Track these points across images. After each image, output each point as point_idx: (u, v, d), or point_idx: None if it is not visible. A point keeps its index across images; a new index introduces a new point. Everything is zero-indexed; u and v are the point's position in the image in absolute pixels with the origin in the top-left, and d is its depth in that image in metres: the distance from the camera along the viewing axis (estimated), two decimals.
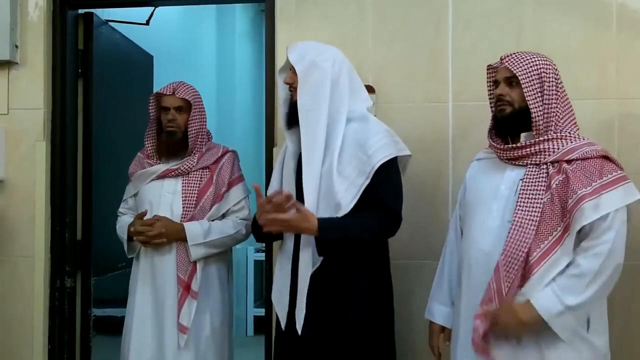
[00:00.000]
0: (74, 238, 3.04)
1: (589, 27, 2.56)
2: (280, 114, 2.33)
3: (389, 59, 2.68)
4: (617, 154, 2.49)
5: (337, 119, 2.18)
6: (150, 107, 2.63)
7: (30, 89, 2.90)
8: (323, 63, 2.19)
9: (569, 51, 2.55)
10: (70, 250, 2.99)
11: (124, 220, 2.65)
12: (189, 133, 2.57)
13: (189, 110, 2.58)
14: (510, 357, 1.88)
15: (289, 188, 2.20)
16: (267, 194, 2.26)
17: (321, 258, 2.11)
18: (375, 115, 2.61)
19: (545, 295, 1.82)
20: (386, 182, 2.16)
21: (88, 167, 3.11)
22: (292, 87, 2.20)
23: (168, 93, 2.57)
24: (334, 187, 2.11)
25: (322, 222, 2.07)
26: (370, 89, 2.65)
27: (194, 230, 2.48)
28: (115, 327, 2.68)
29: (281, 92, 2.30)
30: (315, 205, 2.11)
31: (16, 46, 2.89)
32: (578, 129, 2.00)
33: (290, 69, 2.21)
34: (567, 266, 1.85)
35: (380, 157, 2.13)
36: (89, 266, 3.10)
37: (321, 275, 2.12)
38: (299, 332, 2.11)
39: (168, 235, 2.48)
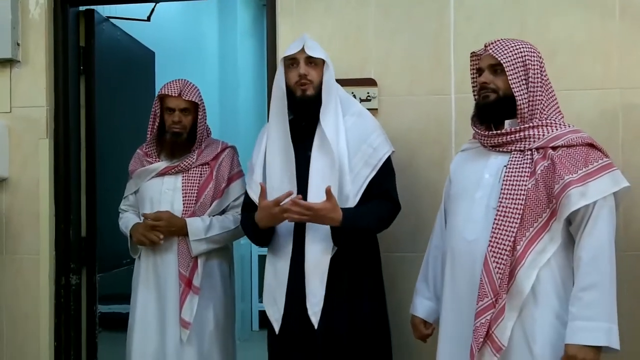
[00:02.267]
0: (79, 235, 3.04)
1: (592, 18, 2.55)
2: (277, 100, 2.24)
3: (391, 51, 2.67)
4: (620, 144, 2.49)
5: (340, 114, 2.23)
6: (155, 107, 2.61)
7: (32, 87, 2.90)
8: (328, 60, 2.24)
9: (573, 42, 2.55)
10: (75, 247, 3.00)
11: (127, 217, 2.65)
12: (197, 133, 2.57)
13: (194, 111, 2.58)
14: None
15: (286, 182, 2.19)
16: (249, 189, 2.28)
17: (333, 250, 2.13)
18: (377, 108, 2.63)
19: (586, 328, 1.78)
20: (390, 174, 2.27)
21: (91, 163, 3.12)
22: (308, 80, 2.19)
23: (174, 94, 2.55)
24: (344, 180, 2.16)
25: (346, 212, 2.11)
26: (372, 82, 2.65)
27: (195, 225, 2.49)
28: (120, 324, 2.69)
29: (281, 82, 2.23)
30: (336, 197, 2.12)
31: (18, 44, 2.89)
32: (562, 116, 1.98)
33: (300, 61, 2.19)
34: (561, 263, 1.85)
35: (386, 151, 2.24)
36: (93, 263, 3.11)
37: (332, 268, 2.14)
38: (316, 326, 2.12)
39: (171, 230, 2.48)
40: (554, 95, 1.99)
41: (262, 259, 5.39)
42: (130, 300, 2.63)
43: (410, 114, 2.64)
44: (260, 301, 5.33)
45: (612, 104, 2.52)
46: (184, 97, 2.53)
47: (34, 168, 2.90)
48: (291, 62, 2.22)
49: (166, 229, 2.49)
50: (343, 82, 2.37)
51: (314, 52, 2.20)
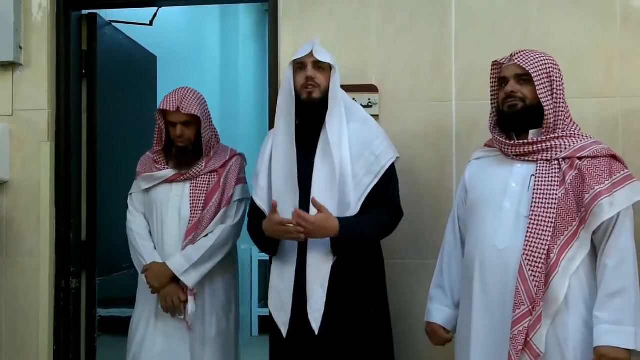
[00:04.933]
0: (79, 238, 3.04)
1: (593, 26, 2.56)
2: (285, 103, 2.24)
3: (393, 57, 2.68)
4: (621, 152, 2.48)
5: (344, 120, 2.25)
6: (158, 120, 2.58)
7: (34, 90, 2.91)
8: (336, 66, 2.26)
9: (574, 49, 2.55)
10: (75, 251, 3.00)
11: (142, 246, 2.56)
12: (203, 143, 2.55)
13: (197, 122, 2.53)
14: None
15: (290, 190, 2.20)
16: (254, 195, 2.30)
17: (334, 258, 2.14)
18: (378, 115, 2.63)
19: (615, 331, 1.83)
20: (393, 181, 2.27)
21: (92, 167, 3.12)
22: (315, 83, 2.21)
23: (172, 110, 2.50)
24: (346, 187, 2.16)
25: (343, 222, 2.11)
26: (373, 88, 2.66)
27: (174, 261, 2.46)
28: (120, 327, 2.68)
29: (288, 84, 2.23)
30: (335, 206, 2.14)
31: (20, 47, 2.90)
32: (580, 128, 2.03)
33: (308, 65, 2.21)
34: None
35: (389, 158, 2.24)
36: (93, 266, 3.11)
37: (333, 275, 2.15)
38: (316, 332, 2.12)
39: (160, 281, 2.45)
40: (569, 107, 2.03)
41: (262, 264, 5.41)
42: (135, 304, 2.62)
43: (411, 120, 2.64)
44: (260, 306, 5.36)
45: (612, 112, 2.52)
46: (182, 111, 2.49)
47: (35, 171, 2.90)
48: (299, 65, 2.24)
49: (158, 282, 2.45)
50: (344, 88, 2.38)
51: (323, 56, 2.22)
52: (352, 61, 2.67)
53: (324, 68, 2.24)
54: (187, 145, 2.54)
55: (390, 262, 2.43)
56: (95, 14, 3.13)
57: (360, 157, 2.20)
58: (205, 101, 2.60)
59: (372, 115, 2.56)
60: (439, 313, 2.15)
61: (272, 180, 2.24)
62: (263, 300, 5.42)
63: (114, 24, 3.42)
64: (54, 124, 2.92)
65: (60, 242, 2.92)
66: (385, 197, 2.22)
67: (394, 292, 2.43)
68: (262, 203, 2.27)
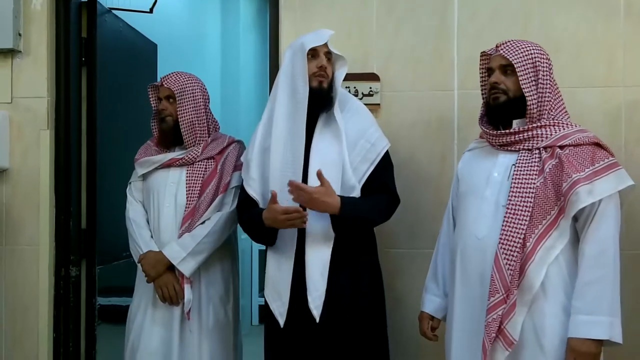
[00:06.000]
0: (79, 227, 3.03)
1: (596, 16, 2.54)
2: (295, 91, 2.21)
3: (394, 47, 2.66)
4: (623, 142, 2.49)
5: (339, 109, 2.26)
6: (151, 98, 2.64)
7: (33, 78, 2.89)
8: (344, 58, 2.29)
9: (577, 40, 2.54)
10: (75, 239, 2.99)
11: (140, 235, 2.56)
12: (180, 122, 2.54)
13: (176, 100, 2.55)
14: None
15: (288, 176, 2.18)
16: (246, 186, 2.29)
17: (332, 242, 2.13)
18: (379, 104, 2.62)
19: (588, 322, 1.83)
20: (388, 168, 2.28)
21: (92, 155, 3.11)
22: (326, 73, 2.22)
23: (159, 83, 2.59)
24: (347, 172, 2.18)
25: (345, 199, 2.12)
26: (374, 77, 2.65)
27: (171, 249, 2.45)
28: (120, 316, 2.68)
29: (301, 70, 2.20)
30: (338, 189, 2.15)
31: (19, 34, 2.88)
32: (569, 116, 2.02)
33: (320, 54, 2.23)
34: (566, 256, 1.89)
35: (384, 145, 2.26)
36: (93, 255, 3.10)
37: (332, 261, 2.16)
38: (317, 319, 2.13)
39: (156, 269, 2.44)
40: (561, 95, 2.03)
41: (262, 254, 5.38)
42: (134, 293, 2.62)
43: (412, 109, 2.63)
44: (261, 296, 5.37)
45: (615, 102, 2.51)
46: (165, 85, 2.55)
47: (35, 159, 2.89)
48: (311, 52, 2.23)
49: (154, 271, 2.45)
50: (345, 77, 2.36)
51: (335, 48, 2.26)
52: (354, 50, 2.65)
53: (330, 59, 2.26)
54: (168, 120, 2.56)
55: (391, 252, 2.44)
56: (95, 1, 3.10)
57: (356, 145, 2.22)
58: (192, 86, 2.56)
59: (373, 104, 2.56)
60: (430, 303, 2.19)
61: (271, 171, 2.22)
62: (263, 290, 5.42)
63: (113, 11, 3.40)
64: (53, 112, 2.91)
65: (60, 230, 2.91)
66: (382, 183, 2.23)
67: (390, 283, 2.42)
68: (255, 194, 2.26)
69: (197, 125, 2.56)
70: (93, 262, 3.11)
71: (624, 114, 2.51)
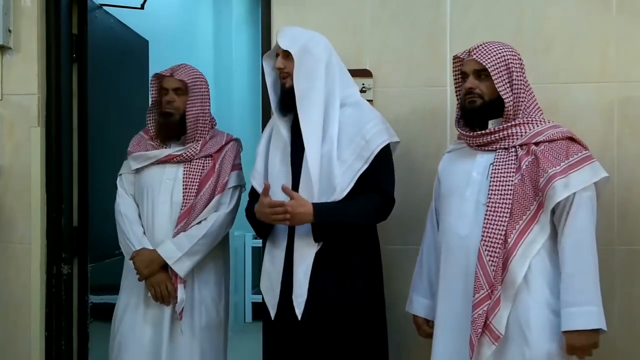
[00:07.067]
0: (71, 224, 3.02)
1: (590, 11, 2.54)
2: (271, 101, 2.31)
3: (387, 42, 2.66)
4: (616, 138, 2.49)
5: (332, 104, 2.21)
6: (152, 89, 2.58)
7: (24, 74, 2.87)
8: (315, 49, 2.22)
9: (569, 34, 2.53)
10: (67, 237, 2.98)
11: (132, 231, 2.52)
12: (187, 117, 2.49)
13: (188, 93, 2.52)
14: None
15: (283, 175, 2.20)
16: (252, 179, 2.30)
17: (318, 244, 2.12)
18: (372, 100, 2.61)
19: (581, 313, 1.86)
20: (383, 167, 2.23)
21: (84, 152, 3.09)
22: (285, 72, 2.21)
23: (167, 74, 2.52)
24: (333, 171, 2.14)
25: (318, 207, 2.09)
26: (367, 73, 2.64)
27: (166, 248, 2.42)
28: (112, 314, 2.66)
29: (268, 78, 2.30)
30: (317, 190, 2.13)
31: (9, 30, 2.86)
32: (542, 113, 2.06)
33: (280, 54, 2.21)
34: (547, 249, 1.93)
35: (379, 142, 2.20)
36: (85, 253, 3.09)
37: (319, 261, 2.14)
38: (299, 317, 2.13)
39: (150, 268, 2.41)
40: (533, 93, 2.08)
41: (255, 251, 5.39)
42: (119, 291, 2.59)
43: (405, 105, 2.63)
44: (254, 293, 5.36)
45: (608, 98, 2.51)
46: (175, 76, 2.49)
47: (26, 156, 2.87)
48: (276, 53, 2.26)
49: (147, 270, 2.41)
50: None
51: (283, 43, 2.20)
52: (347, 47, 2.63)
53: (289, 56, 2.20)
54: (174, 113, 2.50)
55: (385, 248, 2.43)
56: None
57: (352, 142, 2.18)
58: (202, 80, 2.56)
59: (366, 101, 2.54)
60: (419, 306, 2.22)
61: (269, 167, 2.25)
62: (256, 287, 5.43)
63: (104, 7, 3.38)
64: (44, 109, 2.89)
65: (52, 228, 2.90)
66: (374, 183, 2.19)
67: (387, 280, 2.42)
68: (257, 186, 2.27)
69: (201, 120, 2.53)
70: (85, 259, 3.09)
71: (617, 109, 2.51)
